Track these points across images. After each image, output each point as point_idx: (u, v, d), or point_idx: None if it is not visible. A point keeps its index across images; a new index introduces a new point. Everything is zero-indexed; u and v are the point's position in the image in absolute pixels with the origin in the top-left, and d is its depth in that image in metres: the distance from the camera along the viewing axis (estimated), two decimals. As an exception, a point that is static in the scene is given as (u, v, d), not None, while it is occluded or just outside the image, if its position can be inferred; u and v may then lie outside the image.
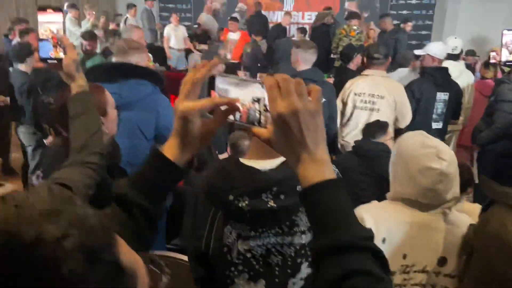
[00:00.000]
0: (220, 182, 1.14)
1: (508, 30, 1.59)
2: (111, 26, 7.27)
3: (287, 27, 7.52)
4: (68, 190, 1.11)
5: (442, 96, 3.25)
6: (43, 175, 1.49)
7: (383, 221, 1.28)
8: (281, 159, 1.20)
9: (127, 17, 7.73)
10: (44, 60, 1.35)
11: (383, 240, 1.27)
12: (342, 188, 0.64)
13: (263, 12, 8.61)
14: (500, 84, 3.04)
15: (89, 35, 4.43)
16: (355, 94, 3.05)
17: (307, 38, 7.48)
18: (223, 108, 0.71)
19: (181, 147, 0.73)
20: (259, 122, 0.65)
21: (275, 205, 1.11)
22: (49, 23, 1.31)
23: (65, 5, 6.67)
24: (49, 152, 1.70)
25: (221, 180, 1.15)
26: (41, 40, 1.33)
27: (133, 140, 2.07)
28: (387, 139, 2.48)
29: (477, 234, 1.08)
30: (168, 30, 7.20)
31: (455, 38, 4.17)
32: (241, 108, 0.67)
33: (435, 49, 3.39)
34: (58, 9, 1.36)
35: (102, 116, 1.43)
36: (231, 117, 0.70)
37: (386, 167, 1.42)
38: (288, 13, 7.48)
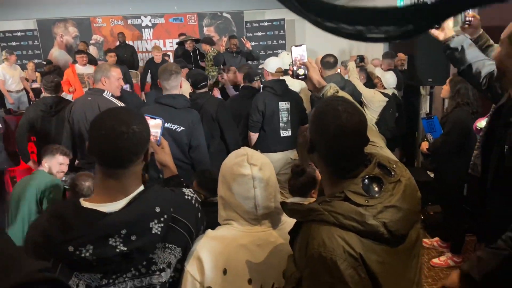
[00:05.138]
0: (56, 232, 1.01)
1: (296, 46, 1.72)
2: None
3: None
4: None
5: (284, 105, 3.45)
6: None
7: (220, 251, 1.22)
8: (128, 198, 1.11)
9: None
10: None
11: (224, 272, 1.20)
12: None
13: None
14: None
15: None
16: None
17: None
18: None
19: None
20: None
21: (125, 249, 1.03)
22: None
23: None
24: None
25: (57, 229, 1.02)
26: None
27: None
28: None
29: (301, 258, 1.07)
30: (0, 72, 6.38)
31: (288, 54, 4.53)
32: None
33: (269, 64, 3.62)
34: None
35: None
36: None
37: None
38: (157, 47, 7.33)
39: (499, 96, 1.59)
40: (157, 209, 1.11)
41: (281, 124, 3.47)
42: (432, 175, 3.96)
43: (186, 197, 1.26)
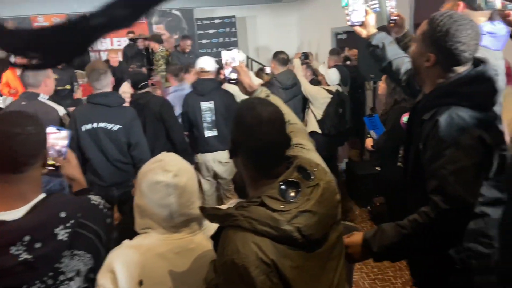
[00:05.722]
0: None
1: (227, 50, 1.72)
2: None
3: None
4: None
5: (206, 105, 3.40)
6: None
7: (136, 262, 1.18)
8: (30, 205, 1.07)
9: None
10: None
11: (140, 283, 1.16)
12: None
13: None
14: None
15: None
16: None
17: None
18: None
19: None
20: None
21: (30, 257, 0.98)
22: None
23: None
24: None
25: None
26: None
27: None
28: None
29: (218, 264, 1.06)
30: None
31: (239, 52, 4.50)
32: None
33: (204, 63, 3.57)
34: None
35: None
36: None
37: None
38: (114, 50, 7.06)
39: (418, 92, 1.65)
40: (62, 214, 1.07)
41: (205, 124, 3.43)
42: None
43: (92, 202, 1.22)
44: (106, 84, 2.67)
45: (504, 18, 1.51)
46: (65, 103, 5.40)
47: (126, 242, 1.24)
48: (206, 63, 3.54)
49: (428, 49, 1.38)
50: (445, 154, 1.29)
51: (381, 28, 1.95)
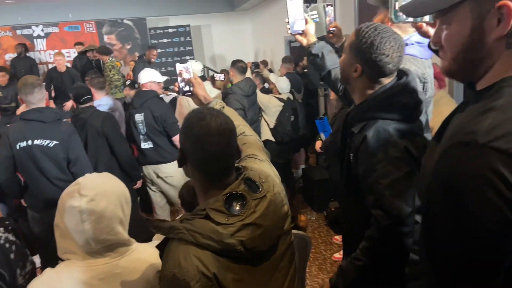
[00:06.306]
0: None
1: (180, 63, 1.69)
2: None
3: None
4: None
5: (139, 117, 3.37)
6: None
7: None
8: None
9: None
10: None
11: None
12: None
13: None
14: (227, 95, 3.45)
15: None
16: None
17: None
18: None
19: None
20: None
21: None
22: None
23: None
24: None
25: None
26: None
27: None
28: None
29: (161, 276, 1.02)
30: None
31: (196, 61, 4.47)
32: None
33: (140, 77, 3.52)
34: None
35: None
36: None
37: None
38: (59, 53, 6.81)
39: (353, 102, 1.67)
40: None
41: (140, 136, 3.40)
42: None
43: None
44: (40, 98, 2.54)
45: (418, 30, 1.55)
46: (12, 120, 5.15)
47: (47, 270, 1.17)
48: (141, 77, 3.48)
49: (355, 60, 1.39)
50: (376, 169, 1.31)
51: (320, 38, 1.97)
